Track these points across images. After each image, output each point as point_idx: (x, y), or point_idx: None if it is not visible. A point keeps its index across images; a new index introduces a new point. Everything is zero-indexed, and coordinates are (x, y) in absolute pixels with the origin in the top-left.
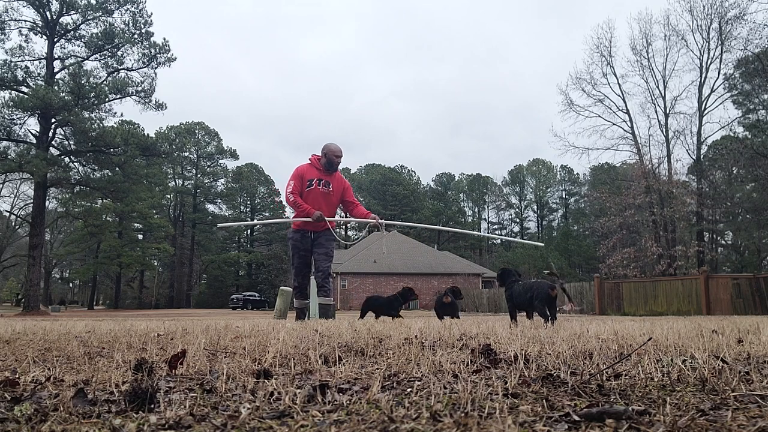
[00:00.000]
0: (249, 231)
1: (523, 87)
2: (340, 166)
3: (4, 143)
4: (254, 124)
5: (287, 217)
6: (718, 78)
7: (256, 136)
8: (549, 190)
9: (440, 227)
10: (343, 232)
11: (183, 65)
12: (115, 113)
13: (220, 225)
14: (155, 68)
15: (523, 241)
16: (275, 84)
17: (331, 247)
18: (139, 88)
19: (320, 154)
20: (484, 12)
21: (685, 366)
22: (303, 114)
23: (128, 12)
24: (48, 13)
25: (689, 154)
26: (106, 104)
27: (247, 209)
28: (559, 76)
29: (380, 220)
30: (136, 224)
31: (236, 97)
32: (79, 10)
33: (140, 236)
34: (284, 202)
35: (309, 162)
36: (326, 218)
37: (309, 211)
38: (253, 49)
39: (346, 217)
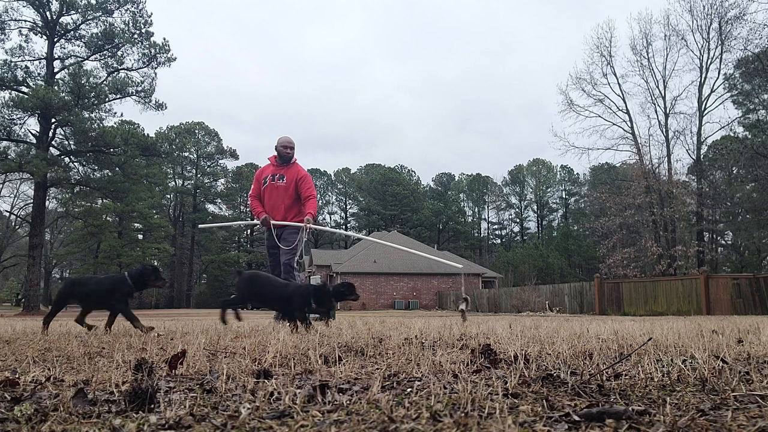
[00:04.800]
0: (249, 231)
1: (534, 82)
2: (296, 156)
3: (4, 143)
4: (258, 120)
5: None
6: (718, 78)
7: (260, 133)
8: (549, 190)
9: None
10: (343, 232)
11: (185, 61)
12: (115, 113)
13: (201, 226)
14: (155, 68)
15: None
16: (279, 79)
17: (294, 239)
18: (139, 88)
19: None
20: (495, 4)
21: (685, 366)
22: (308, 111)
23: (128, 12)
24: (48, 13)
25: (689, 154)
26: (106, 104)
27: (247, 209)
28: (568, 74)
29: (309, 225)
30: (136, 224)
31: (239, 93)
32: (79, 10)
33: (140, 236)
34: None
35: (268, 162)
36: (273, 221)
37: (258, 214)
38: (257, 44)
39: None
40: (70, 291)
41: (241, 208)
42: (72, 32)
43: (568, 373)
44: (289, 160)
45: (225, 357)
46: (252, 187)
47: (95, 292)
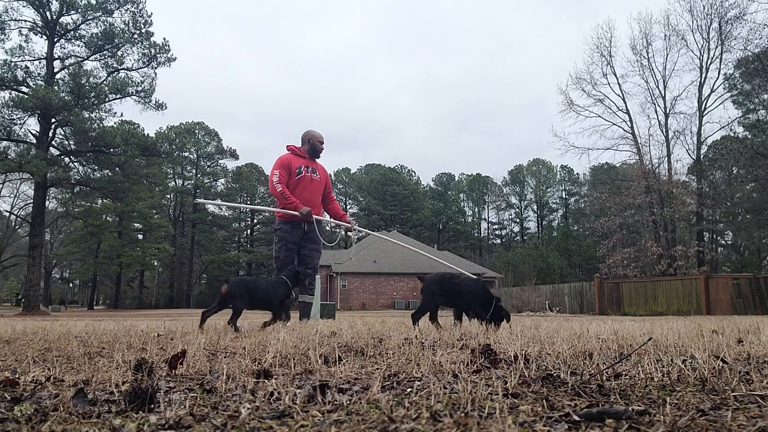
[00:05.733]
0: (249, 231)
1: (534, 82)
2: (322, 154)
3: (4, 143)
4: (258, 120)
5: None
6: (718, 78)
7: (260, 133)
8: (549, 190)
9: (406, 245)
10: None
11: (185, 61)
12: (115, 113)
13: (197, 201)
14: (155, 68)
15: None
16: (279, 79)
17: (320, 240)
18: (139, 88)
19: (301, 142)
20: (495, 4)
21: (685, 366)
22: (308, 111)
23: (128, 12)
24: (48, 13)
25: (689, 154)
26: (106, 104)
27: (247, 209)
28: (568, 74)
29: (354, 225)
30: (136, 224)
31: (239, 93)
32: (79, 10)
33: (140, 236)
34: (271, 193)
35: (290, 152)
36: (313, 215)
37: (297, 205)
38: (257, 44)
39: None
40: (241, 290)
41: (241, 207)
42: (72, 32)
43: (568, 373)
44: (319, 156)
45: (225, 357)
46: (279, 173)
47: (265, 292)
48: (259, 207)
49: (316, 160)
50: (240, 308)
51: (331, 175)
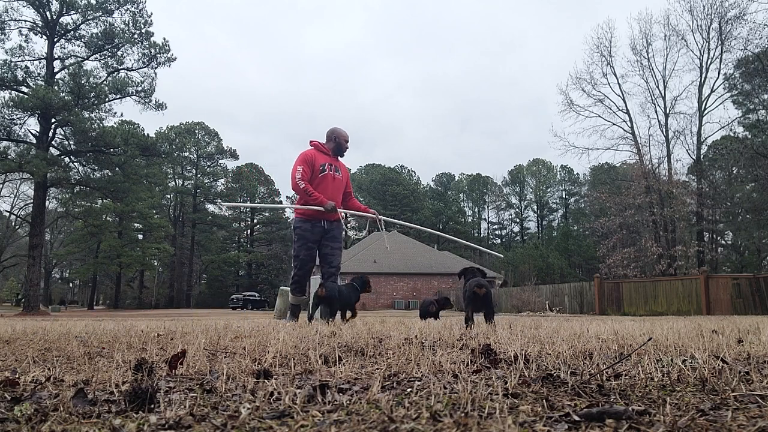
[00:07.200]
0: (249, 231)
1: (534, 82)
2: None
3: (4, 143)
4: (258, 120)
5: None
6: (718, 78)
7: (260, 133)
8: (549, 190)
9: (438, 232)
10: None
11: (185, 61)
12: (115, 113)
13: (226, 204)
14: (155, 68)
15: (484, 249)
16: (279, 79)
17: (341, 238)
18: (139, 88)
19: (326, 139)
20: (495, 4)
21: (685, 366)
22: (308, 111)
23: (128, 12)
24: (48, 13)
25: (689, 154)
26: (106, 104)
27: (247, 209)
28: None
29: (379, 216)
30: (136, 224)
31: (239, 93)
32: (79, 10)
33: (140, 236)
34: (293, 189)
35: (313, 148)
36: (338, 209)
37: (322, 200)
38: (257, 44)
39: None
40: (334, 296)
41: (241, 207)
42: (72, 32)
43: (568, 373)
44: (344, 154)
45: (225, 357)
46: (302, 169)
47: (347, 296)
48: (281, 206)
49: (339, 158)
50: (336, 309)
51: None
